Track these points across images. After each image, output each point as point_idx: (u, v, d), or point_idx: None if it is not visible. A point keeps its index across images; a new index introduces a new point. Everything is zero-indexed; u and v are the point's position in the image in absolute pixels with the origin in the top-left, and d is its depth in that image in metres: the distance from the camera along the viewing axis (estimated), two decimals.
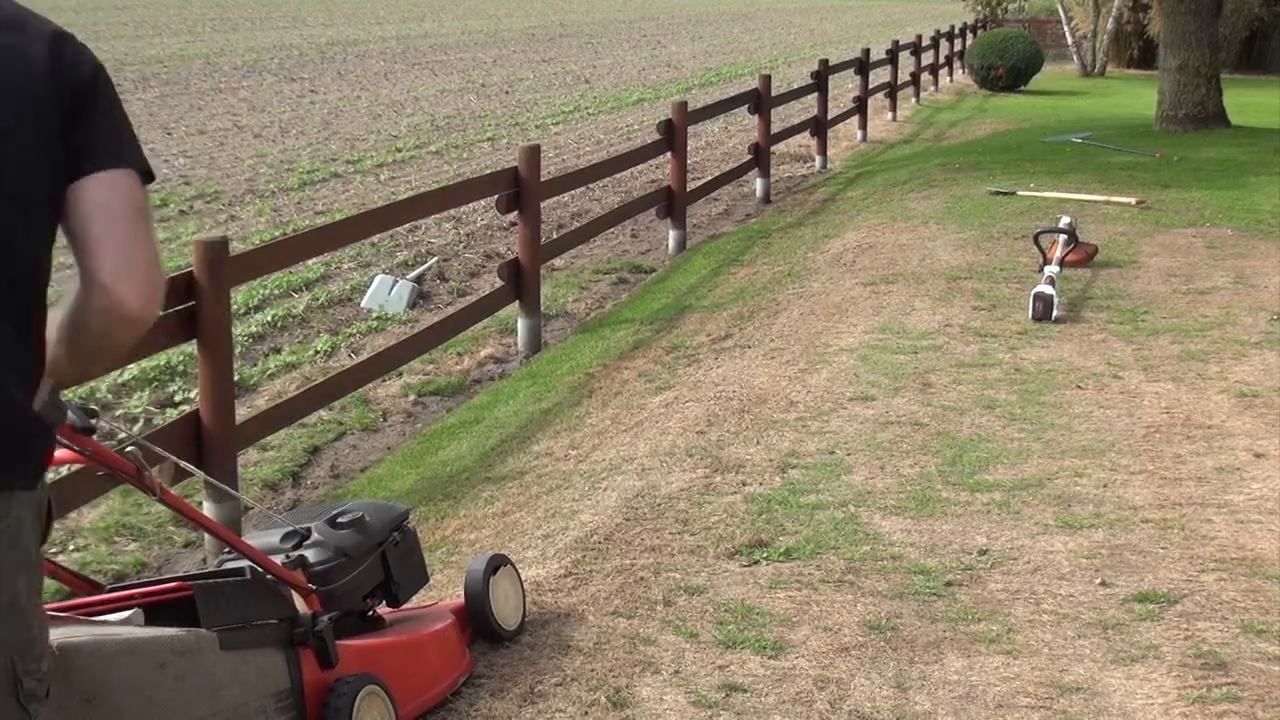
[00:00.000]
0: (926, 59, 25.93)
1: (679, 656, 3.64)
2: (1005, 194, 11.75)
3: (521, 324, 8.14)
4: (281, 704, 2.91)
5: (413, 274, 9.73)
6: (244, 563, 3.02)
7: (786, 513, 4.69)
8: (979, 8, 34.23)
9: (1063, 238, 8.43)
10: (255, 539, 3.28)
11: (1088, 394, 6.05)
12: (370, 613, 3.50)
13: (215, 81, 25.93)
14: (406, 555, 3.54)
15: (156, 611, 2.79)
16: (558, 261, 10.38)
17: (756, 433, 5.61)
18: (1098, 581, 4.09)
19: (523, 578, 3.95)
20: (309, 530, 3.30)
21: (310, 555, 3.22)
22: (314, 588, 3.16)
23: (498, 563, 3.76)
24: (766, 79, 13.84)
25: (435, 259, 10.44)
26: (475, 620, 3.68)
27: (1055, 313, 7.34)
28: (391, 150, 16.91)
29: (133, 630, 2.64)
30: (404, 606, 3.67)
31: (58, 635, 2.41)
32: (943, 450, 5.32)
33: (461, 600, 3.72)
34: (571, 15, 59.40)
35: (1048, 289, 7.41)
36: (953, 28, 30.44)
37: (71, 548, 5.23)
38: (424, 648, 3.44)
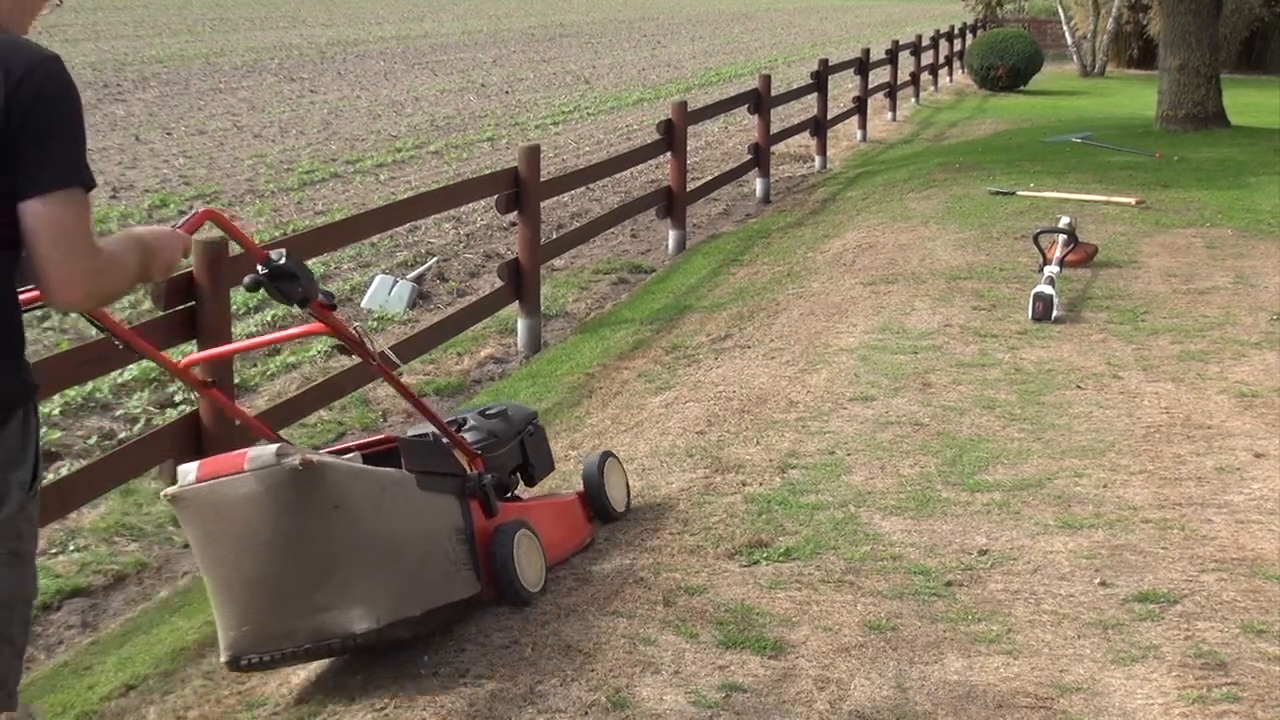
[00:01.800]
0: (926, 59, 25.94)
1: (679, 656, 3.64)
2: (1005, 194, 11.75)
3: (521, 324, 8.14)
4: (460, 537, 3.74)
5: (413, 274, 9.72)
6: (429, 429, 3.95)
7: (786, 513, 4.69)
8: (979, 8, 34.24)
9: (1063, 238, 8.43)
10: (422, 427, 4.06)
11: (1088, 394, 6.05)
12: (511, 493, 4.32)
13: (215, 81, 25.94)
14: (539, 444, 4.46)
15: (370, 461, 3.63)
16: (558, 261, 10.38)
17: (756, 433, 5.61)
18: (1098, 581, 4.09)
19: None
20: (465, 419, 4.25)
21: (469, 436, 4.11)
22: (479, 453, 4.04)
23: (607, 455, 4.70)
24: (766, 79, 13.84)
25: (435, 259, 10.44)
26: (593, 503, 4.58)
27: (1055, 313, 7.34)
28: (391, 150, 16.91)
29: (360, 464, 3.52)
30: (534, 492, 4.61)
31: (315, 456, 3.36)
32: (943, 450, 5.32)
33: (581, 488, 4.61)
34: (571, 15, 59.40)
35: (1048, 289, 7.41)
36: (953, 28, 30.45)
37: (71, 548, 5.23)
38: (559, 510, 4.40)
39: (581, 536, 4.43)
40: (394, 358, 3.91)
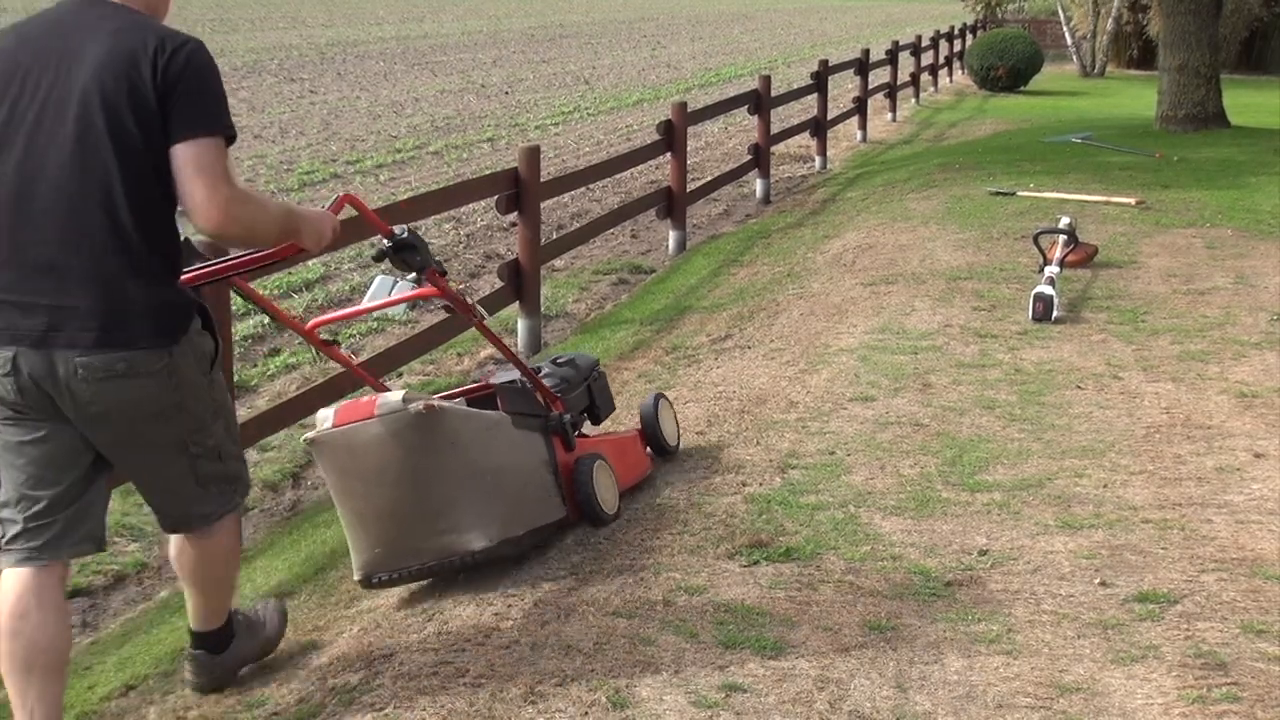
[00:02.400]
0: (926, 59, 25.96)
1: (679, 656, 3.64)
2: (1005, 194, 11.76)
3: (521, 325, 8.14)
4: (547, 468, 4.28)
5: (413, 275, 9.71)
6: (515, 375, 4.47)
7: (786, 513, 4.69)
8: (979, 8, 34.25)
9: (1063, 238, 8.43)
10: (503, 374, 4.57)
11: (1088, 394, 6.05)
12: (579, 431, 4.75)
13: None
14: (602, 388, 4.99)
15: (470, 405, 4.20)
16: (558, 262, 10.38)
17: (756, 433, 5.61)
18: (1098, 581, 4.08)
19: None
20: (540, 367, 4.79)
21: (547, 382, 4.61)
22: (559, 395, 4.56)
23: (660, 396, 5.30)
24: (766, 79, 13.84)
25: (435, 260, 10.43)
26: (649, 439, 5.16)
27: (1055, 313, 7.34)
28: (391, 151, 16.91)
29: (467, 407, 4.11)
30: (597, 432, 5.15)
31: (435, 401, 3.92)
32: (943, 450, 5.32)
33: (639, 426, 5.20)
34: (571, 15, 59.42)
35: (1048, 289, 7.41)
36: (952, 28, 30.47)
37: None
38: (624, 445, 4.94)
39: (644, 468, 5.03)
40: (482, 311, 4.34)
